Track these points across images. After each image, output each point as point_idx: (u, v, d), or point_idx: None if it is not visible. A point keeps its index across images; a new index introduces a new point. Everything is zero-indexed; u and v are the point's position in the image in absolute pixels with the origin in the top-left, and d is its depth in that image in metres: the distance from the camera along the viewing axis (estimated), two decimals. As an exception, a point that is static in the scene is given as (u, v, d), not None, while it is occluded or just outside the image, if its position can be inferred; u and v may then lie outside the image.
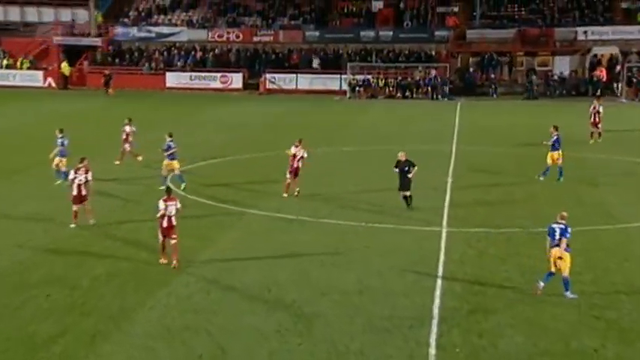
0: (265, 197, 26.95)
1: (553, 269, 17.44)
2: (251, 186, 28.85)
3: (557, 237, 17.36)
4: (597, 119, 38.51)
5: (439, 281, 18.49)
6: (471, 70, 62.55)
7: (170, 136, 28.36)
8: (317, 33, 67.49)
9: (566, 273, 17.35)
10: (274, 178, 28.03)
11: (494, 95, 60.77)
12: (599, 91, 56.49)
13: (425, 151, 35.53)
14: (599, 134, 38.44)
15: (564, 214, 17.71)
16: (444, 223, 23.71)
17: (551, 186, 28.62)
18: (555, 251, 17.36)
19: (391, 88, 61.67)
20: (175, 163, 28.19)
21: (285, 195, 26.75)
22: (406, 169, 24.61)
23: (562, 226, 17.48)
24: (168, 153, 28.09)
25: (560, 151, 29.34)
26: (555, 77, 61.20)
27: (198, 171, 31.58)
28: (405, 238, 22.19)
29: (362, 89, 61.65)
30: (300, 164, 26.84)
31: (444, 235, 22.42)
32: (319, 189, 28.07)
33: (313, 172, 30.65)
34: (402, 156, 24.90)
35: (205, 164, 32.93)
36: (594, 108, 38.85)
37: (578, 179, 30.02)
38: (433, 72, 61.11)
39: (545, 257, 17.75)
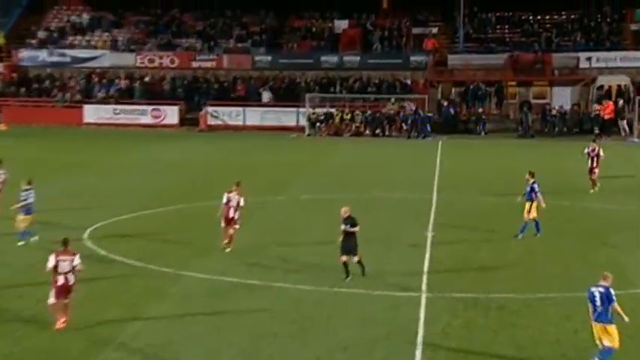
0: (205, 256, 26.89)
1: (599, 344, 17.22)
2: (188, 242, 28.75)
3: (599, 304, 17.25)
4: (595, 164, 38.27)
5: (418, 357, 18.54)
6: (445, 104, 63.03)
7: (29, 184, 28.21)
8: (269, 58, 68.15)
9: (613, 345, 17.24)
10: (216, 232, 28.01)
11: (482, 133, 61.59)
12: (596, 129, 57.27)
13: (400, 200, 35.80)
14: (594, 182, 38.24)
15: (607, 274, 17.70)
16: (424, 287, 23.79)
17: (550, 242, 28.95)
18: (598, 326, 17.28)
19: (358, 124, 62.27)
20: (29, 218, 27.78)
21: (226, 249, 26.85)
22: (348, 226, 24.01)
23: (601, 290, 17.32)
24: (21, 205, 27.74)
25: (533, 203, 29.34)
26: (554, 112, 62.16)
27: (125, 224, 31.43)
28: (377, 305, 22.22)
29: (323, 125, 62.15)
30: (236, 214, 26.91)
31: (423, 301, 22.48)
32: (271, 245, 28.07)
33: (264, 224, 30.67)
34: (344, 212, 24.24)
35: (133, 216, 32.79)
36: (593, 150, 38.56)
37: (582, 234, 30.43)
38: (413, 105, 61.65)
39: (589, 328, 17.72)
